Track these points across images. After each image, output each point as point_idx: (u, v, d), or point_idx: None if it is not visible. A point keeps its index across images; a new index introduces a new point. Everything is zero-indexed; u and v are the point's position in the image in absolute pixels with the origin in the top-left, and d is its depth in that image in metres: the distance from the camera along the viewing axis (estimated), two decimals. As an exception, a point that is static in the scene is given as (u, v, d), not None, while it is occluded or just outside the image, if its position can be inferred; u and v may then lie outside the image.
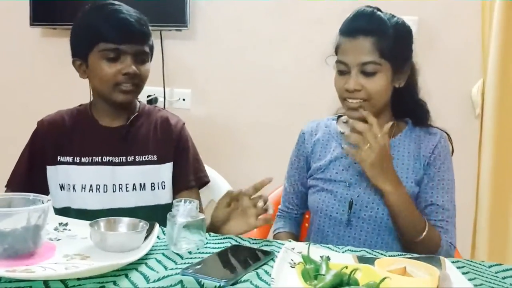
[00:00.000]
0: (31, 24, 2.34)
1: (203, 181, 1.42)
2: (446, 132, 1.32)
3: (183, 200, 1.01)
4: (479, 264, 1.02)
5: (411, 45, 1.27)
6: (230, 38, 2.24)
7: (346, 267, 0.77)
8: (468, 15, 1.98)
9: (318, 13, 2.10)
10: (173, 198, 1.33)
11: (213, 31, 2.25)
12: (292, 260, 0.91)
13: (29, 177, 1.34)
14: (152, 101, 2.24)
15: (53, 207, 1.34)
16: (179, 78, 2.30)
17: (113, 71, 1.26)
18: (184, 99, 2.31)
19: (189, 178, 1.38)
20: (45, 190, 1.33)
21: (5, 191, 1.33)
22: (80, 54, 1.30)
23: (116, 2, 1.31)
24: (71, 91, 2.26)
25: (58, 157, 1.33)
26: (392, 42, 1.19)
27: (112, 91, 1.28)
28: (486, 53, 1.93)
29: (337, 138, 1.34)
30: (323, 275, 0.75)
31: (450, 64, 2.01)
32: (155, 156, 1.35)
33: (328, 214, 1.27)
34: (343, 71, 1.23)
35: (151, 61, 1.35)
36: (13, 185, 1.35)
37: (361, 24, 1.21)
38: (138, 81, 1.29)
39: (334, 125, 1.38)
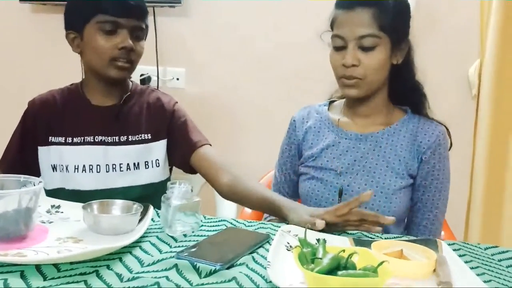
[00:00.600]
0: (20, 0, 2.28)
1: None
2: (445, 126, 1.28)
3: (177, 182, 1.00)
4: (475, 246, 1.02)
5: (409, 20, 1.23)
6: (225, 15, 2.19)
7: (344, 251, 0.76)
8: (466, -7, 1.95)
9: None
10: (191, 163, 1.33)
11: (208, 8, 2.20)
12: (288, 243, 0.90)
13: (21, 157, 1.33)
14: (145, 80, 2.20)
15: (44, 188, 1.32)
16: (173, 57, 2.25)
17: (109, 45, 1.24)
18: (178, 78, 2.27)
19: (198, 138, 1.36)
20: (36, 171, 1.32)
21: None
22: (76, 26, 1.27)
23: None
24: (62, 67, 2.22)
25: (50, 138, 1.31)
26: (391, 14, 1.15)
27: (107, 66, 1.26)
28: (484, 34, 1.90)
29: (329, 125, 1.31)
30: (320, 258, 0.74)
31: (447, 44, 1.99)
32: (148, 135, 1.33)
33: (318, 203, 1.25)
34: (339, 46, 1.19)
35: (145, 40, 1.33)
36: (4, 165, 1.33)
37: None
38: (134, 57, 1.27)
39: (325, 112, 1.34)
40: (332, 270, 0.72)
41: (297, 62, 2.12)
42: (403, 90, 1.28)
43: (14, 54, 2.45)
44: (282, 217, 1.12)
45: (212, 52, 2.23)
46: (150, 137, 1.33)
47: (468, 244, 1.03)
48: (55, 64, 2.29)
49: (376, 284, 0.70)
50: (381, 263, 0.72)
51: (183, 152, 1.35)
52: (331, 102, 1.39)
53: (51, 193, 1.30)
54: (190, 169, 1.37)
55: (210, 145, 1.37)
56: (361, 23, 1.15)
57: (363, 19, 1.15)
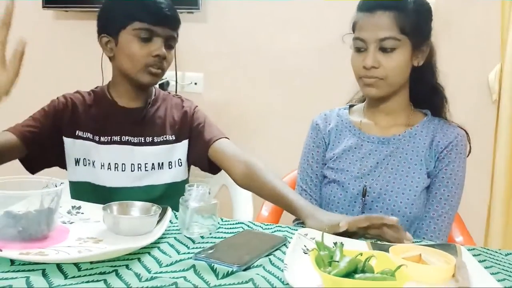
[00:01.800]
0: (43, 7, 2.33)
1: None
2: (465, 130, 1.27)
3: (195, 185, 1.00)
4: (495, 252, 1.00)
5: (430, 22, 1.24)
6: (242, 21, 2.21)
7: (361, 254, 0.76)
8: (487, -3, 1.93)
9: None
10: (209, 157, 1.34)
11: (225, 14, 2.22)
12: (305, 246, 0.90)
13: (36, 135, 1.28)
14: (163, 84, 2.23)
15: (69, 181, 1.36)
16: (191, 62, 2.28)
17: (144, 52, 1.27)
18: (196, 83, 2.29)
19: (214, 134, 1.37)
20: (44, 158, 1.31)
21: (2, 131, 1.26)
22: (111, 31, 1.30)
23: None
24: (84, 73, 2.26)
25: (77, 131, 1.34)
26: (412, 17, 1.17)
27: (140, 72, 1.29)
28: (504, 38, 1.88)
29: (350, 128, 1.32)
30: (337, 261, 0.74)
31: (467, 48, 1.97)
32: (172, 136, 1.38)
33: (339, 206, 1.25)
34: (360, 48, 1.20)
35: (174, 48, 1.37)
36: (16, 131, 1.25)
37: None
38: (165, 64, 1.32)
39: (346, 115, 1.35)
40: (350, 273, 0.72)
41: (316, 67, 2.13)
42: (424, 92, 1.29)
43: (37, 61, 2.49)
44: (298, 217, 1.12)
45: (229, 57, 2.24)
46: (174, 138, 1.38)
47: (488, 249, 1.02)
48: (78, 69, 2.33)
49: (394, 285, 0.69)
50: (399, 266, 0.72)
51: (201, 149, 1.37)
52: (350, 106, 1.39)
53: (75, 185, 1.34)
54: (210, 166, 1.38)
55: (228, 138, 1.39)
56: (382, 26, 1.16)
57: (384, 22, 1.16)
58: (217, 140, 1.36)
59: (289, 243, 0.89)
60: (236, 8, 2.21)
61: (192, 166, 1.46)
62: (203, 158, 1.37)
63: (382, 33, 1.16)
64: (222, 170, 1.38)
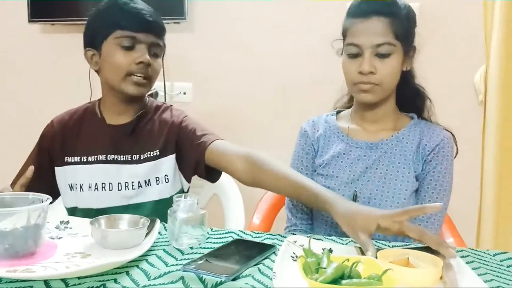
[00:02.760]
0: (29, 21, 2.33)
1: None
2: (451, 133, 1.28)
3: (183, 196, 1.00)
4: (484, 252, 1.01)
5: (415, 28, 1.26)
6: (229, 30, 2.22)
7: (348, 260, 0.76)
8: (469, 0, 1.95)
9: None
10: (207, 163, 1.28)
11: (212, 23, 2.24)
12: (294, 254, 0.90)
13: (36, 177, 1.29)
14: (152, 95, 2.23)
15: (65, 207, 1.36)
16: (179, 72, 2.28)
17: (127, 60, 1.25)
18: (185, 93, 2.30)
19: (207, 138, 1.30)
20: (52, 190, 1.32)
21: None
22: (94, 43, 1.29)
23: None
24: (71, 87, 2.26)
25: (66, 158, 1.33)
26: (405, 23, 1.18)
27: (124, 81, 1.26)
28: (489, 39, 1.90)
29: (338, 134, 1.32)
30: (324, 268, 0.75)
31: (452, 50, 1.99)
32: (157, 151, 1.32)
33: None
34: (355, 53, 1.20)
35: (162, 58, 1.36)
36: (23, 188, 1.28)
37: (374, 5, 1.18)
38: (150, 73, 1.28)
39: (334, 121, 1.35)
40: (336, 279, 0.73)
41: (306, 72, 2.13)
42: (408, 94, 1.30)
43: (24, 74, 2.49)
44: (322, 209, 1.07)
45: (217, 66, 2.25)
46: (158, 153, 1.32)
47: (477, 250, 1.02)
48: (65, 82, 2.33)
49: None
50: (385, 271, 0.72)
51: (197, 155, 1.30)
52: (338, 112, 1.39)
53: (69, 211, 1.33)
54: (208, 173, 1.32)
55: (222, 139, 1.32)
56: (378, 32, 1.17)
57: (379, 28, 1.17)
58: (212, 142, 1.29)
59: (279, 251, 0.90)
60: (222, 16, 2.22)
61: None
62: (201, 165, 1.30)
63: (378, 38, 1.17)
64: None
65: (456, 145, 1.28)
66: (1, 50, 2.49)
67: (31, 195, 0.94)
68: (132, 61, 1.25)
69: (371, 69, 1.17)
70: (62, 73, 2.33)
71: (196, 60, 2.27)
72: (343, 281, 0.72)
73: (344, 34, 1.24)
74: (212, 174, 1.33)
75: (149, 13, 1.27)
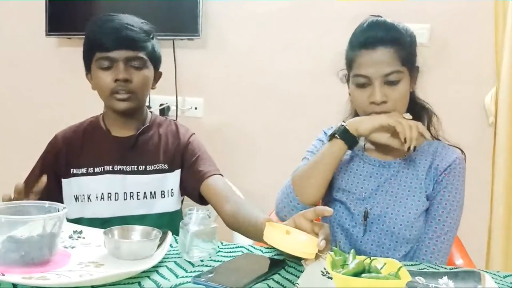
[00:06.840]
0: (46, 34, 2.38)
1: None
2: (461, 149, 1.28)
3: (195, 209, 1.02)
4: (494, 274, 1.01)
5: (416, 48, 1.27)
6: (242, 47, 2.25)
7: (369, 258, 0.83)
8: (480, 22, 1.97)
9: (331, 19, 2.11)
10: (201, 193, 1.33)
11: (225, 40, 2.27)
12: (324, 269, 0.91)
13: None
14: (164, 110, 2.26)
15: (66, 218, 1.35)
16: (191, 87, 2.31)
17: (107, 80, 1.30)
18: (196, 108, 2.32)
19: (208, 169, 1.36)
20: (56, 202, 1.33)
21: None
22: (87, 66, 1.36)
23: (116, 14, 1.34)
24: (87, 100, 2.29)
25: (72, 170, 1.35)
26: (408, 49, 1.20)
27: (110, 100, 1.31)
28: (499, 61, 1.91)
29: (353, 150, 1.33)
30: (348, 264, 0.82)
31: (462, 72, 2.00)
32: (165, 165, 1.36)
33: (341, 225, 1.26)
34: (364, 83, 1.21)
35: (157, 68, 1.38)
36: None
37: (378, 35, 1.19)
38: (132, 87, 1.30)
39: None
40: (358, 273, 0.79)
41: (316, 90, 2.15)
42: (416, 111, 1.31)
43: (41, 87, 2.54)
44: None
45: (229, 82, 2.28)
46: (166, 167, 1.36)
47: (486, 271, 1.02)
48: (80, 96, 2.36)
49: (395, 285, 0.77)
50: (400, 267, 0.79)
51: (194, 182, 1.36)
52: None
53: (72, 222, 1.33)
54: (201, 200, 1.38)
55: (221, 175, 1.38)
56: (385, 62, 1.18)
57: (386, 58, 1.18)
58: (210, 176, 1.34)
59: (288, 266, 0.91)
60: (235, 34, 2.26)
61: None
62: (195, 191, 1.36)
63: (386, 68, 1.18)
64: None
65: (465, 161, 1.29)
66: (18, 62, 2.54)
67: (48, 203, 0.96)
68: (111, 80, 1.29)
69: (383, 99, 1.19)
70: (78, 86, 2.35)
71: (209, 76, 2.30)
72: (363, 275, 0.79)
73: (350, 65, 1.25)
74: (203, 199, 1.37)
75: (122, 27, 1.29)
